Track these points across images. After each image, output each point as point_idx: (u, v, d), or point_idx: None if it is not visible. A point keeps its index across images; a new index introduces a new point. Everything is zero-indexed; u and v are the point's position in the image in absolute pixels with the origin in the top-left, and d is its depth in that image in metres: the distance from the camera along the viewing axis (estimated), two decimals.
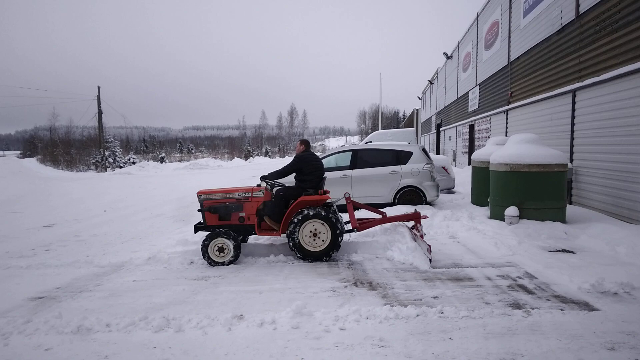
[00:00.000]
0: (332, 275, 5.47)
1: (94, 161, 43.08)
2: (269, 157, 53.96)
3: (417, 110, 45.98)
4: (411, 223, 7.09)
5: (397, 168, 9.74)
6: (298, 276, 5.45)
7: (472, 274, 5.42)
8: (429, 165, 9.85)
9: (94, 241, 8.13)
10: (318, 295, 4.74)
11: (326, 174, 9.71)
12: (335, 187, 9.68)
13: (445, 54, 26.90)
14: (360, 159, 9.95)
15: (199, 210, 6.74)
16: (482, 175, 9.93)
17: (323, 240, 6.14)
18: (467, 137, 21.07)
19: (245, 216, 6.55)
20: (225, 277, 5.56)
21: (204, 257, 6.17)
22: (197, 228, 6.71)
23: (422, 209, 9.15)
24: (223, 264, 6.13)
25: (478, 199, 10.31)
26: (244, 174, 24.39)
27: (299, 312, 4.11)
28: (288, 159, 41.25)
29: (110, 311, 4.43)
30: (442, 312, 4.09)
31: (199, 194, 6.71)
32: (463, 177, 16.01)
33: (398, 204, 9.66)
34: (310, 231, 6.13)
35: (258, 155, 54.63)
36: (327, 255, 6.14)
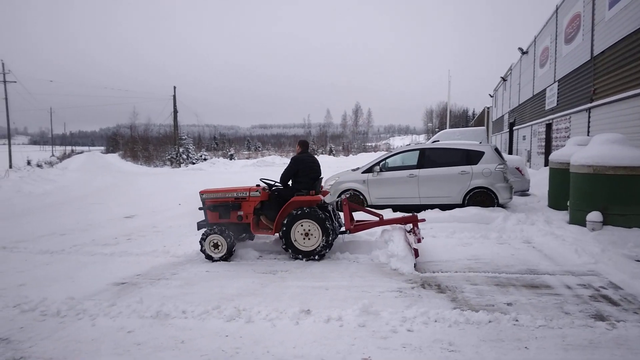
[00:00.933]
0: (398, 275, 5.39)
1: (169, 157, 45.59)
2: (333, 155, 54.21)
3: (488, 108, 44.09)
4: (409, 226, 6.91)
5: (467, 168, 9.40)
6: (364, 275, 5.43)
7: (549, 281, 5.11)
8: (501, 166, 9.41)
9: (170, 232, 8.61)
10: (384, 295, 4.69)
11: (390, 173, 9.68)
12: (401, 187, 9.55)
13: (520, 49, 25.55)
14: (428, 158, 9.71)
15: (200, 209, 6.98)
16: (561, 177, 9.32)
17: (316, 240, 6.19)
18: (544, 136, 19.89)
19: (244, 215, 6.67)
20: (292, 272, 5.66)
21: (201, 251, 6.43)
22: (200, 225, 6.91)
23: (494, 212, 8.77)
24: (220, 259, 6.34)
25: (556, 202, 9.70)
26: None
27: (365, 310, 4.09)
28: (352, 158, 41.30)
29: (186, 299, 4.67)
30: (517, 320, 3.89)
31: (201, 193, 6.94)
32: (538, 179, 15.13)
33: (467, 205, 9.33)
34: (303, 230, 6.22)
35: (322, 154, 55.09)
36: (318, 254, 6.20)
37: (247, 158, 54.43)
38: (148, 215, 11.17)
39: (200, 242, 6.46)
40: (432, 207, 9.53)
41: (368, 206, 9.59)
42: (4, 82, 37.60)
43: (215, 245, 6.41)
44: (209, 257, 6.43)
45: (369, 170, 9.82)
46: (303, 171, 6.58)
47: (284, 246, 6.29)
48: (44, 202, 15.24)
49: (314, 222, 6.17)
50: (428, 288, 4.90)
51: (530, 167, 21.61)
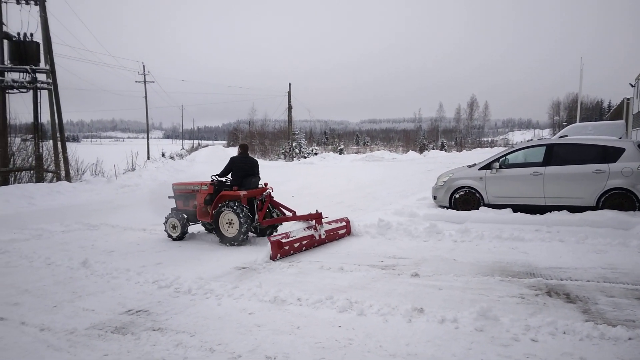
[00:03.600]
0: (518, 278, 5.01)
1: (283, 151, 47.82)
2: (445, 150, 52.20)
3: (628, 99, 38.85)
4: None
5: (603, 166, 8.37)
6: (480, 277, 5.15)
7: None
8: None
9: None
10: (504, 300, 4.40)
11: (512, 171, 8.99)
12: (523, 186, 8.84)
13: None
14: (556, 154, 8.83)
15: (169, 197, 8.56)
16: None
17: (236, 228, 7.16)
18: None
19: (198, 204, 7.91)
20: (399, 268, 5.57)
21: (164, 231, 7.96)
22: (172, 210, 8.30)
23: (635, 217, 7.72)
24: (176, 238, 7.84)
25: None
26: (418, 168, 24.07)
27: (483, 314, 3.88)
28: (466, 154, 39.40)
29: (300, 287, 4.86)
30: None
31: (173, 185, 8.64)
32: None
33: (602, 208, 8.32)
34: (228, 220, 7.29)
35: (433, 149, 53.36)
36: (236, 240, 7.17)
37: (355, 153, 54.90)
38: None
39: (163, 224, 7.98)
40: (558, 208, 8.68)
41: (485, 205, 9.07)
42: (144, 82, 42.51)
43: (173, 227, 7.89)
44: (169, 236, 7.94)
45: (487, 166, 9.25)
46: (235, 170, 7.70)
47: (214, 232, 7.55)
48: None
49: (234, 214, 7.13)
50: (555, 296, 4.49)
51: None
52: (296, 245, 6.58)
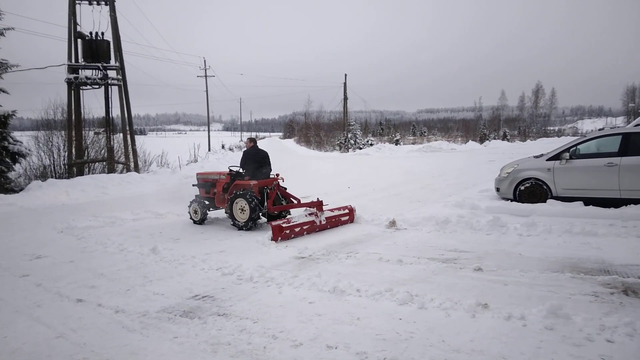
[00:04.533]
0: (591, 275, 4.71)
1: (338, 142, 47.85)
2: (508, 140, 49.83)
3: None
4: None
5: None
6: (549, 273, 4.89)
7: None
8: None
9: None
10: (576, 298, 4.15)
11: (583, 161, 8.42)
12: (596, 178, 8.26)
13: None
14: (633, 144, 8.16)
15: (193, 185, 9.55)
16: None
17: (247, 215, 7.81)
18: None
19: (217, 192, 8.73)
20: (461, 261, 5.41)
21: (188, 213, 8.93)
22: (196, 196, 9.11)
23: None
24: (198, 222, 8.71)
25: None
26: (479, 158, 23.22)
27: (553, 312, 3.69)
28: (530, 143, 37.49)
29: (359, 278, 4.86)
30: None
31: (197, 174, 9.58)
32: None
33: None
34: (240, 207, 7.94)
35: (495, 139, 51.16)
36: (246, 226, 7.86)
37: (412, 143, 53.87)
38: (321, 196, 11.84)
39: (188, 207, 8.97)
40: (635, 202, 8.05)
41: (553, 197, 8.59)
42: (205, 76, 43.97)
43: (195, 212, 8.76)
44: (192, 219, 8.84)
45: (556, 157, 8.73)
46: (248, 162, 8.41)
47: (228, 217, 8.19)
48: None
49: (246, 202, 7.72)
50: (632, 295, 4.18)
51: None
52: (297, 229, 7.21)
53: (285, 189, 8.74)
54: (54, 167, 18.29)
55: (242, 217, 7.95)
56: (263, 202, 8.07)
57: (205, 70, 43.79)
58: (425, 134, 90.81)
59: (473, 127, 73.43)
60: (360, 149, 43.00)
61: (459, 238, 6.68)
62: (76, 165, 17.80)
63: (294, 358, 3.17)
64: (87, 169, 18.69)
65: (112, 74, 18.03)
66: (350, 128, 50.28)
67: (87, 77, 17.59)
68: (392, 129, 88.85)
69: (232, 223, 8.13)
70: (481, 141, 48.01)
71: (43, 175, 17.71)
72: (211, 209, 8.99)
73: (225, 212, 8.35)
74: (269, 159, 8.64)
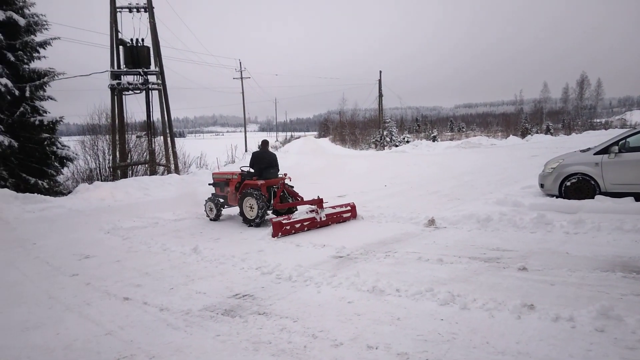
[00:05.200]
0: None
1: (373, 140, 47.52)
2: (551, 134, 47.93)
3: None
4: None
5: None
6: (599, 273, 4.67)
7: None
8: None
9: (376, 212, 8.94)
10: (628, 298, 3.94)
11: (634, 155, 8.00)
12: None
13: None
14: None
15: (209, 184, 10.26)
16: None
17: (255, 212, 8.36)
18: None
19: (230, 191, 9.36)
20: (504, 261, 5.25)
21: (204, 211, 9.68)
22: (212, 194, 9.90)
23: None
24: (213, 218, 9.38)
25: None
26: (521, 154, 22.49)
27: (604, 313, 3.52)
28: (575, 137, 36.00)
29: (398, 277, 4.80)
30: None
31: (213, 174, 10.44)
32: None
33: None
34: (249, 205, 8.49)
35: (537, 133, 49.30)
36: (253, 222, 8.41)
37: (450, 139, 52.77)
38: (357, 195, 11.86)
39: (204, 205, 9.65)
40: None
41: (601, 193, 8.20)
42: (241, 78, 44.64)
43: (210, 209, 9.43)
44: (208, 217, 9.52)
45: (604, 150, 8.32)
46: (256, 163, 8.94)
47: (240, 214, 8.67)
48: None
49: (254, 200, 8.28)
50: None
51: None
52: (297, 225, 7.68)
53: (292, 187, 9.23)
54: (100, 170, 19.09)
55: (251, 214, 8.50)
56: (270, 200, 8.71)
57: (241, 72, 44.46)
58: (464, 129, 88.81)
59: (514, 122, 71.08)
60: (397, 146, 42.53)
61: (501, 236, 6.49)
62: (120, 168, 18.49)
63: (334, 358, 3.16)
64: (130, 172, 19.38)
65: (152, 78, 18.62)
66: (386, 125, 49.81)
67: (129, 83, 18.24)
68: (428, 125, 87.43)
69: (242, 220, 8.69)
70: (523, 136, 46.46)
71: (89, 178, 18.52)
72: (225, 206, 9.62)
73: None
74: (276, 160, 9.17)
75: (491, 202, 8.91)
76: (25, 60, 15.30)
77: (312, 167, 25.17)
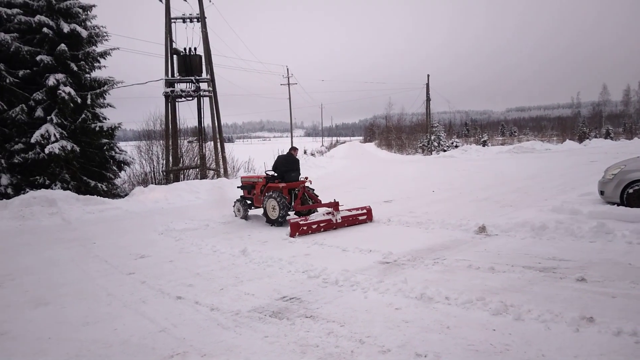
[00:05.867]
0: None
1: (420, 145, 46.76)
2: (611, 139, 45.26)
3: None
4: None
5: None
6: None
7: None
8: None
9: (424, 218, 8.77)
10: None
11: None
12: None
13: None
14: None
15: (238, 187, 11.04)
16: None
17: (277, 212, 8.90)
18: None
19: (256, 193, 9.95)
20: (561, 271, 5.00)
21: (233, 212, 10.48)
22: (240, 196, 10.57)
23: None
24: (241, 218, 10.11)
25: None
26: (578, 159, 21.38)
27: None
28: (637, 141, 33.89)
29: (447, 285, 4.69)
30: None
31: (241, 177, 11.10)
32: None
33: None
34: (272, 206, 9.03)
35: (596, 137, 46.76)
36: (277, 222, 8.95)
37: (501, 144, 51.00)
38: (404, 201, 11.71)
39: (232, 206, 10.55)
40: None
41: None
42: (288, 84, 45.30)
43: (238, 210, 10.24)
44: (236, 216, 10.27)
45: None
46: (279, 167, 9.51)
47: (264, 215, 9.24)
48: (321, 185, 17.79)
49: (276, 201, 8.83)
50: None
51: None
52: (314, 226, 8.19)
53: (313, 190, 9.76)
54: (154, 174, 19.93)
55: (273, 214, 9.06)
56: (291, 202, 9.20)
57: (288, 78, 45.12)
58: (516, 133, 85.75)
59: (570, 125, 67.83)
60: (445, 151, 41.61)
61: (557, 245, 6.20)
62: (173, 172, 19.21)
63: None
64: (182, 175, 20.10)
65: (203, 86, 19.22)
66: (434, 130, 48.87)
67: (181, 90, 18.93)
68: (478, 129, 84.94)
69: (266, 220, 9.27)
70: (580, 140, 44.21)
71: (144, 181, 19.37)
72: (252, 207, 10.25)
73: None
74: (298, 164, 9.76)
75: (546, 209, 8.53)
76: (87, 70, 16.26)
77: (357, 172, 25.10)
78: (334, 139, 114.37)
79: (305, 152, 46.01)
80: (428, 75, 45.27)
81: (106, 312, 4.53)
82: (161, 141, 20.15)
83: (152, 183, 18.83)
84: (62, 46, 14.53)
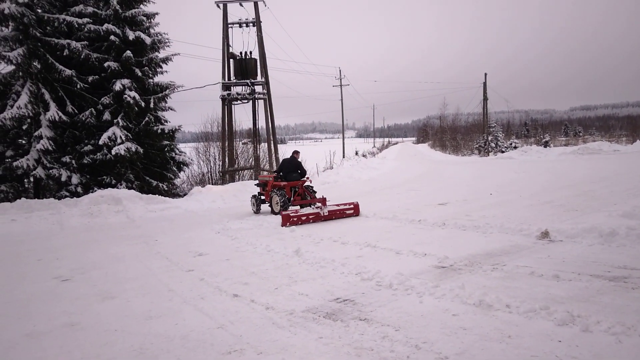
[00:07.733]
0: None
1: (477, 146, 45.31)
2: None
3: None
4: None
5: None
6: None
7: None
8: None
9: (482, 222, 8.45)
10: None
11: None
12: None
13: None
14: None
15: (255, 185, 12.77)
16: None
17: (280, 206, 10.68)
18: None
19: (267, 190, 11.49)
20: (634, 280, 4.65)
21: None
22: (257, 192, 12.24)
23: None
24: (254, 212, 11.71)
25: None
26: None
27: None
28: None
29: (508, 292, 4.50)
30: None
31: (258, 177, 13.10)
32: None
33: None
34: (276, 201, 10.90)
35: None
36: (278, 213, 10.32)
37: (564, 145, 48.40)
38: (460, 204, 11.37)
39: (250, 201, 12.11)
40: None
41: None
42: (340, 85, 45.37)
43: (253, 204, 11.73)
44: (252, 210, 11.82)
45: None
46: (283, 168, 11.46)
47: (269, 206, 11.32)
48: (373, 187, 17.69)
49: (277, 197, 10.81)
50: None
51: None
52: (303, 218, 9.62)
53: (312, 187, 11.71)
54: (211, 174, 20.64)
55: (276, 208, 10.94)
56: (291, 198, 10.98)
57: (340, 79, 45.19)
58: (581, 134, 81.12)
59: None
60: (503, 152, 40.08)
61: (629, 253, 5.78)
62: (228, 173, 19.80)
63: None
64: (237, 176, 20.66)
65: (258, 89, 19.68)
66: (491, 130, 47.19)
67: (237, 93, 19.48)
68: (539, 129, 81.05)
69: (271, 212, 11.13)
70: None
71: (202, 181, 20.10)
72: (266, 202, 11.70)
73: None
74: (300, 166, 11.64)
75: (616, 214, 7.99)
76: (150, 75, 17.13)
77: (410, 173, 24.69)
78: (386, 139, 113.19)
79: (356, 153, 45.83)
80: (485, 74, 43.82)
81: (167, 307, 4.73)
82: (217, 143, 20.84)
83: (209, 183, 19.50)
84: (128, 53, 15.38)
